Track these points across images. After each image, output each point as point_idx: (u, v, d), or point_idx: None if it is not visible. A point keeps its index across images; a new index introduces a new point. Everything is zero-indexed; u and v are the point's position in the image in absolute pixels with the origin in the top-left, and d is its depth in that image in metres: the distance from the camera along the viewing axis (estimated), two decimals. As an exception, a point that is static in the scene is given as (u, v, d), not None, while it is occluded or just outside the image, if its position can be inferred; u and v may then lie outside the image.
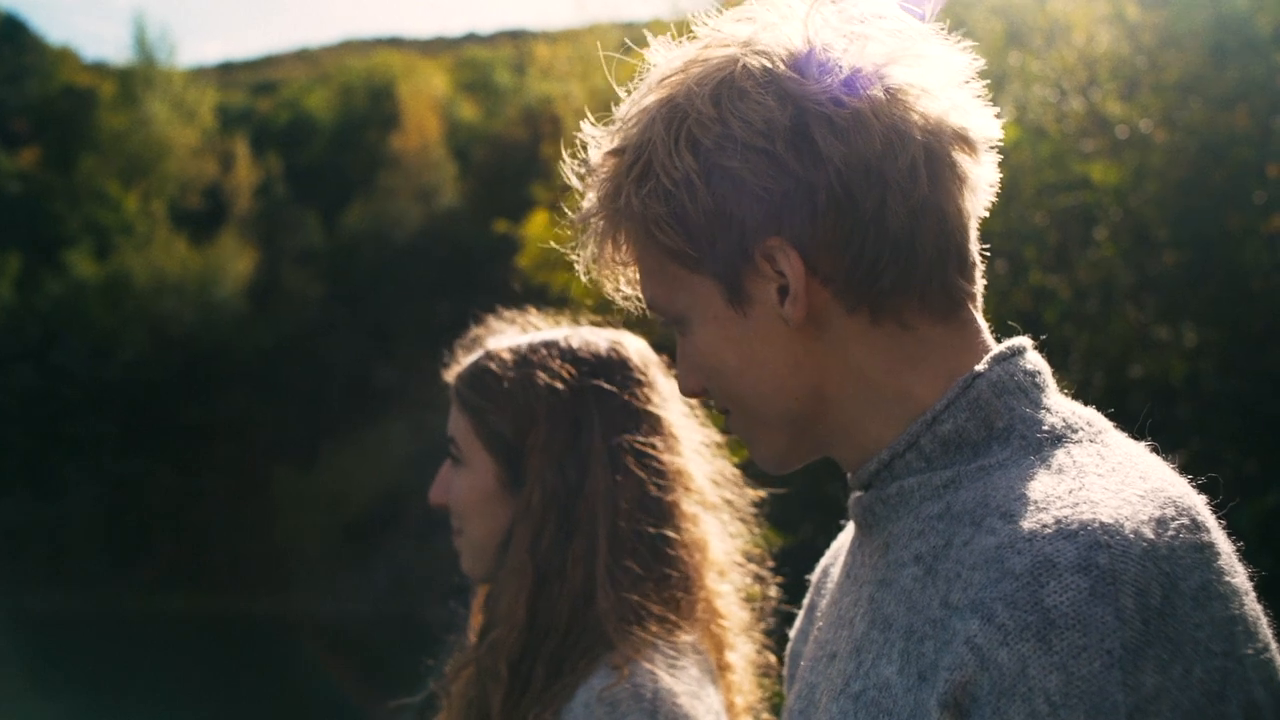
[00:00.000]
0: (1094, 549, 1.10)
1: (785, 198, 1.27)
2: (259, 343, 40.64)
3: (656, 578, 2.00)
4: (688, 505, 2.07)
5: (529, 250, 18.69)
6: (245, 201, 45.31)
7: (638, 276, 1.42)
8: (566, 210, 1.46)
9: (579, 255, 1.46)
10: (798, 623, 1.69)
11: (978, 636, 1.11)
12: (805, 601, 1.69)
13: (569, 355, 2.09)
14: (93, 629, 32.61)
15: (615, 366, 2.10)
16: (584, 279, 1.48)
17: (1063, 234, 10.07)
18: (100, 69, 54.43)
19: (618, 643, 1.93)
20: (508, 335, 2.17)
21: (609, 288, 1.47)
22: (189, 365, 39.89)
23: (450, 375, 2.17)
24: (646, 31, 1.43)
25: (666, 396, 2.12)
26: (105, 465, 38.67)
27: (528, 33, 56.10)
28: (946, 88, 1.31)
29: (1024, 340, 1.36)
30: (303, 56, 70.68)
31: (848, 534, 1.61)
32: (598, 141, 1.39)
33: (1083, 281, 9.59)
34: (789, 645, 1.70)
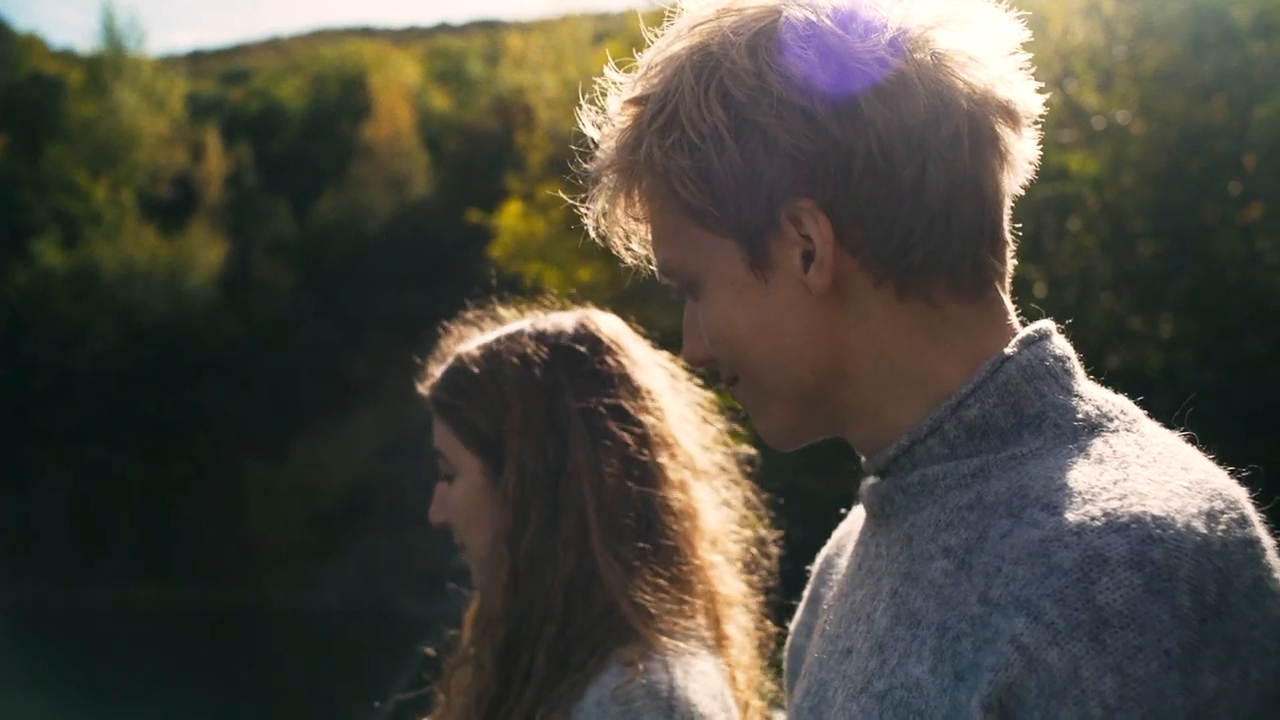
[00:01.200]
0: (1147, 543, 1.03)
1: (820, 159, 1.20)
2: (229, 333, 40.38)
3: (655, 549, 1.95)
4: (674, 472, 2.01)
5: (502, 240, 18.66)
6: (215, 191, 44.96)
7: (650, 235, 1.34)
8: (582, 161, 1.37)
9: (588, 209, 1.37)
10: (798, 615, 1.62)
11: (1024, 635, 1.04)
12: (806, 593, 1.62)
13: (534, 335, 2.06)
14: (61, 620, 32.39)
15: (582, 338, 2.06)
16: (593, 234, 1.39)
17: (1037, 223, 10.10)
18: (68, 57, 53.96)
19: (635, 625, 1.87)
20: (475, 337, 2.14)
21: (618, 246, 1.39)
22: (159, 355, 39.59)
23: (425, 388, 2.13)
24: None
25: (641, 363, 2.08)
26: (74, 455, 38.34)
27: (500, 23, 55.99)
28: (993, 57, 1.24)
29: (1049, 323, 1.29)
30: (273, 45, 70.25)
31: (851, 522, 1.55)
32: (618, 88, 1.31)
33: (1060, 272, 9.61)
34: (789, 638, 1.63)
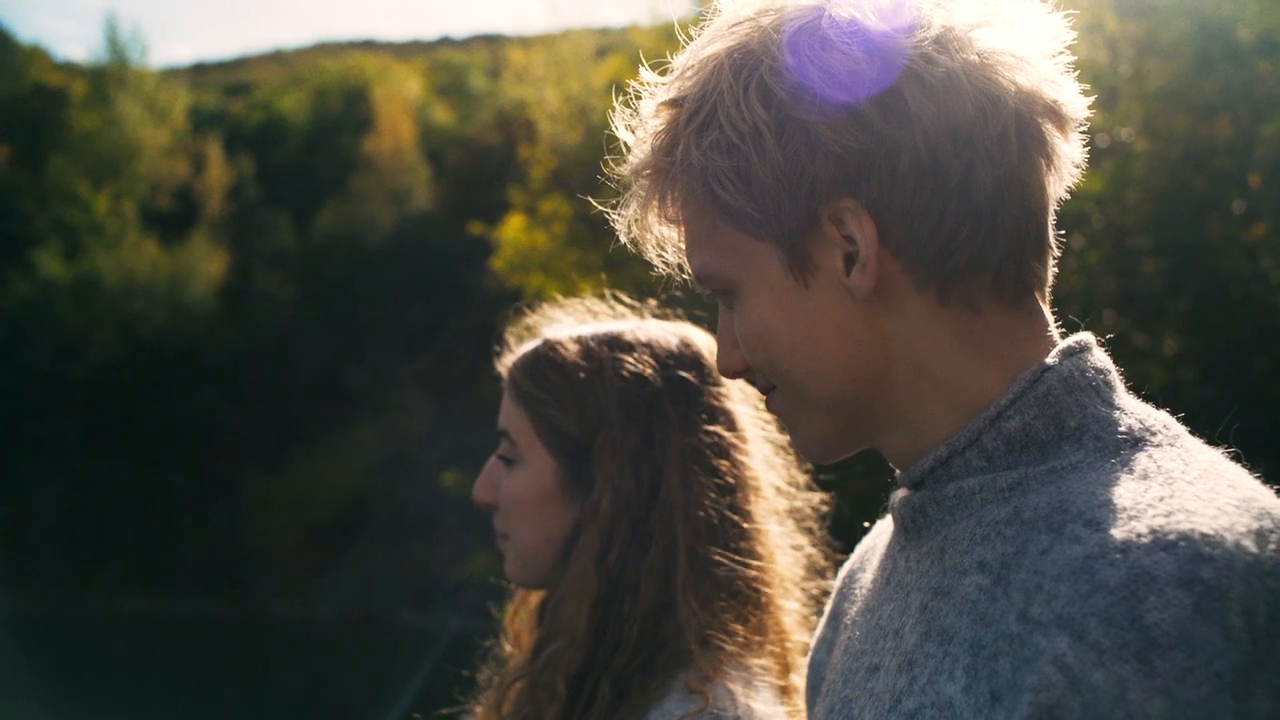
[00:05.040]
0: (1196, 562, 0.99)
1: (865, 157, 1.16)
2: (229, 344, 40.36)
3: (734, 592, 1.85)
4: (760, 514, 1.91)
5: (504, 253, 18.63)
6: (217, 203, 45.02)
7: (685, 241, 1.29)
8: (613, 165, 1.33)
9: (620, 215, 1.33)
10: (819, 630, 1.58)
11: (1067, 655, 0.99)
12: (828, 609, 1.57)
13: (641, 349, 1.94)
14: (56, 629, 32.33)
15: (689, 361, 1.94)
16: (624, 240, 1.34)
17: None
18: (71, 68, 54.08)
19: (699, 658, 1.77)
20: (566, 324, 2.01)
21: (651, 253, 1.34)
22: (158, 367, 39.55)
23: (503, 365, 2.00)
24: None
25: (735, 396, 1.96)
26: (72, 465, 38.30)
27: (502, 37, 56.11)
28: (1039, 58, 1.21)
29: (1088, 336, 1.26)
30: (276, 58, 70.44)
31: (875, 537, 1.51)
32: (651, 91, 1.27)
33: (1063, 289, 9.61)
34: (810, 654, 1.59)
